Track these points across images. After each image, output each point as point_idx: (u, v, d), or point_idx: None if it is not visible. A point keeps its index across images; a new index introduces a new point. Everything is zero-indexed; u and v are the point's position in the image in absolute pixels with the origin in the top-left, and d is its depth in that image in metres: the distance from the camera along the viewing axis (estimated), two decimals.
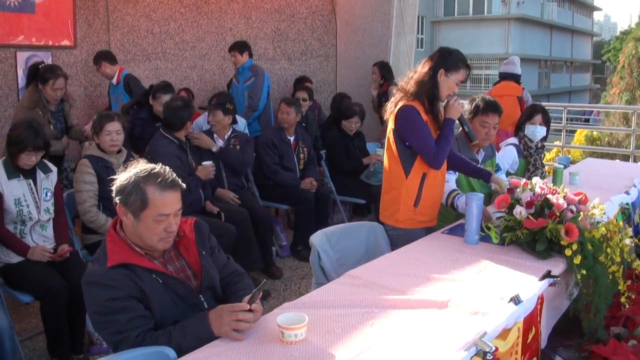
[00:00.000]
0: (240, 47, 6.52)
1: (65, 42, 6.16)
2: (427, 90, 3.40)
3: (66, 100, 5.40)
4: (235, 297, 2.41)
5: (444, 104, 3.50)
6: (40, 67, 5.18)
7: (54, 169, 3.99)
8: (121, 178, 2.33)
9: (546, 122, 4.91)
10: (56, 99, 5.20)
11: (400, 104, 3.44)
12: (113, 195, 2.34)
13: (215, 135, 5.42)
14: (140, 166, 2.35)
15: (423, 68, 3.44)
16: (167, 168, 2.38)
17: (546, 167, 5.41)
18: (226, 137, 5.48)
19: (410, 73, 3.50)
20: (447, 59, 3.39)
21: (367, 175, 6.20)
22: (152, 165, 2.36)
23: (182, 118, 4.73)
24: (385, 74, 7.26)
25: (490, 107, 4.04)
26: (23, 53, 5.80)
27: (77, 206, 4.14)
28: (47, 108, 5.11)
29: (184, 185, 2.40)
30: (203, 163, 4.99)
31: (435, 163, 3.42)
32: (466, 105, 4.11)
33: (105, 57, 6.07)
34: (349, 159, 6.32)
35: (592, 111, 24.31)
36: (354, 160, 6.32)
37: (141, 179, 2.28)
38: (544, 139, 4.98)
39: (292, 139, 6.00)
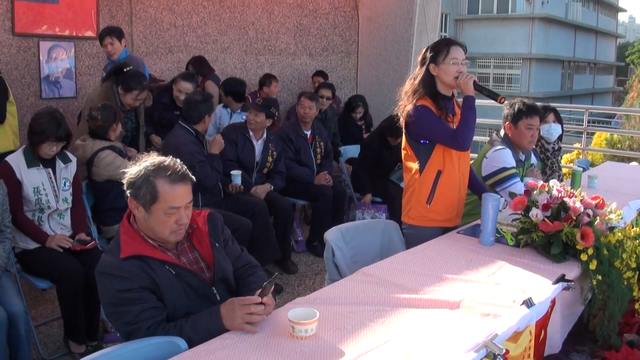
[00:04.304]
0: (119, 32, 5.62)
1: (89, 33, 6.18)
2: (429, 87, 3.40)
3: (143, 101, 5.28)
4: (248, 289, 2.42)
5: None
6: (125, 70, 4.96)
7: (74, 159, 4.03)
8: (132, 171, 2.35)
9: (559, 120, 4.89)
10: (133, 107, 5.06)
11: (409, 106, 3.43)
12: (124, 188, 2.36)
13: (251, 134, 5.42)
14: (150, 159, 2.37)
15: (419, 69, 3.46)
16: (178, 161, 2.40)
17: (564, 170, 5.37)
18: (262, 138, 5.47)
19: (413, 75, 3.51)
20: (431, 53, 3.39)
21: (398, 177, 6.11)
22: (162, 158, 2.37)
23: (200, 112, 4.78)
24: (200, 69, 6.43)
25: (533, 110, 4.08)
26: (46, 43, 5.83)
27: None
28: (119, 108, 4.82)
29: (194, 178, 2.41)
30: (232, 172, 5.08)
31: (455, 144, 3.36)
32: (505, 110, 4.12)
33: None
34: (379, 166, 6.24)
35: (615, 114, 24.08)
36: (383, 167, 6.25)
37: (151, 173, 2.30)
38: (560, 138, 4.95)
39: (308, 133, 6.00)
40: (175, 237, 2.38)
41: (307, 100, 5.86)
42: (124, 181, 2.36)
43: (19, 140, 4.71)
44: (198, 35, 7.14)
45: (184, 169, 2.37)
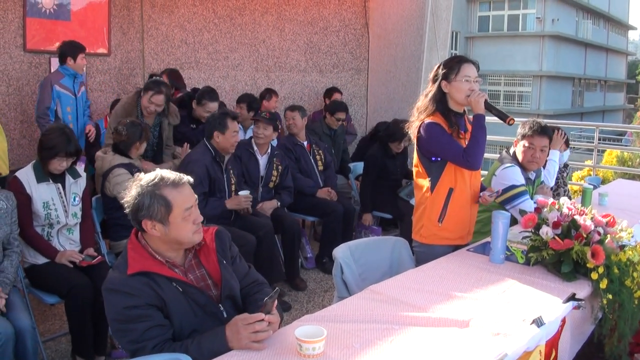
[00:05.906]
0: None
1: (101, 50, 6.24)
2: (440, 104, 3.39)
3: (166, 116, 5.35)
4: (254, 306, 2.41)
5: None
6: (152, 77, 5.10)
7: (83, 174, 4.04)
8: (132, 196, 2.36)
9: (564, 142, 4.87)
10: (149, 112, 5.13)
11: (419, 123, 3.43)
12: (130, 217, 2.38)
13: (255, 148, 5.42)
14: (143, 179, 2.38)
15: (430, 86, 3.45)
16: (167, 170, 2.43)
17: (575, 187, 5.35)
18: (267, 152, 5.47)
19: (425, 91, 3.50)
20: (444, 69, 3.38)
21: (407, 193, 6.07)
22: (154, 174, 2.39)
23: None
24: (174, 82, 6.23)
25: (535, 130, 4.05)
26: (57, 59, 5.88)
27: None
28: (140, 119, 4.91)
29: (191, 178, 2.45)
30: (240, 193, 4.93)
31: (465, 163, 3.33)
32: (519, 129, 4.12)
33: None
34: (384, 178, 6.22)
35: (626, 131, 24.04)
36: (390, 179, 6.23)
37: (154, 188, 2.32)
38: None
39: (305, 142, 6.07)
40: (198, 236, 2.42)
41: (289, 111, 6.03)
42: (127, 211, 2.38)
43: (7, 167, 4.57)
44: (209, 52, 7.19)
45: (177, 175, 2.41)
